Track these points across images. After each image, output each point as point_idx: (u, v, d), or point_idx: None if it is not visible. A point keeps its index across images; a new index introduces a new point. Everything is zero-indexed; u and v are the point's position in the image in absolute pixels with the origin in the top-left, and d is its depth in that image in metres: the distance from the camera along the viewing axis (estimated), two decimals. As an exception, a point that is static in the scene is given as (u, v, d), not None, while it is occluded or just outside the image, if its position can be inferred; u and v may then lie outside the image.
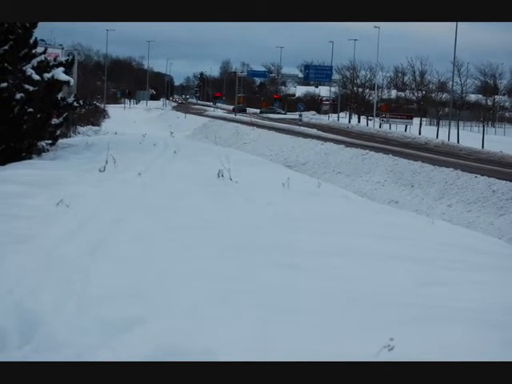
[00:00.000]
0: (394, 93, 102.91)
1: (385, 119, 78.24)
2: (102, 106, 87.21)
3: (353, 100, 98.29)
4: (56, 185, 13.29)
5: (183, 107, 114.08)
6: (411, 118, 77.16)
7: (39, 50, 23.58)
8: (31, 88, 21.43)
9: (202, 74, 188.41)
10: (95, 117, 62.11)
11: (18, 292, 6.45)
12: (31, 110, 21.36)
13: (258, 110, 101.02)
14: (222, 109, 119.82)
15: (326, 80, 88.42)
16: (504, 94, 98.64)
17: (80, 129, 46.62)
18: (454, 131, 68.72)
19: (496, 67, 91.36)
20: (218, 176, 16.30)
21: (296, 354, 4.93)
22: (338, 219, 11.75)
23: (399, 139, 55.96)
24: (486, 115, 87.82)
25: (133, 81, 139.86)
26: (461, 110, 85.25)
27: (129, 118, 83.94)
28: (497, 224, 24.91)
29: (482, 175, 30.13)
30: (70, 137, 37.07)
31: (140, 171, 16.32)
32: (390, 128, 74.00)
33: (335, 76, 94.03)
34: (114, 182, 14.72)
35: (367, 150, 39.73)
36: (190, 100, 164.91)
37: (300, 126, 63.34)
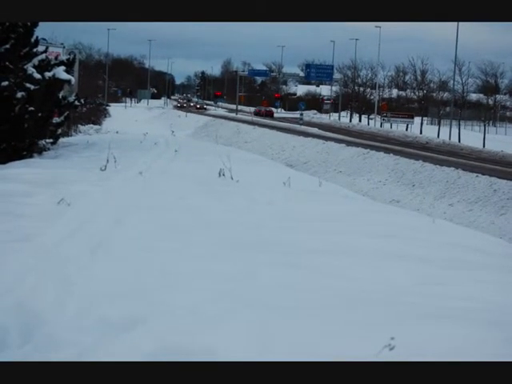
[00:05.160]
0: (395, 92, 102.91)
1: (386, 118, 78.20)
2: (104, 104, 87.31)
3: (354, 99, 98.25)
4: (57, 183, 13.29)
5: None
6: (412, 117, 77.13)
7: (40, 48, 23.61)
8: (32, 87, 21.45)
9: (203, 72, 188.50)
10: (96, 116, 62.13)
11: (19, 291, 6.45)
12: (32, 108, 21.38)
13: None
14: (224, 108, 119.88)
15: (327, 79, 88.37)
16: (505, 94, 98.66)
17: (81, 128, 46.62)
18: (455, 130, 68.68)
19: (497, 66, 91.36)
20: (219, 175, 16.29)
21: (296, 354, 4.93)
22: (339, 218, 11.75)
23: (400, 138, 55.95)
24: (487, 114, 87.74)
25: (134, 80, 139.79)
26: (462, 110, 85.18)
27: (130, 116, 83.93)
28: (498, 223, 24.90)
29: (483, 174, 30.10)
30: (71, 136, 37.10)
31: (141, 170, 16.32)
32: (391, 127, 73.98)
33: (336, 75, 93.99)
34: (115, 181, 14.73)
35: (368, 149, 39.71)
36: (192, 99, 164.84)
37: (301, 125, 63.36)
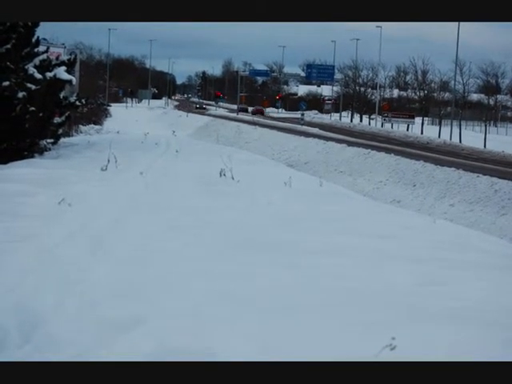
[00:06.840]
0: (396, 92, 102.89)
1: (387, 118, 78.14)
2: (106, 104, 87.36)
3: (355, 99, 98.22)
4: (58, 184, 13.30)
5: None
6: (413, 118, 77.09)
7: (41, 48, 23.61)
8: (33, 87, 21.44)
9: (204, 73, 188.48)
10: (97, 116, 62.10)
11: (19, 291, 6.45)
12: (33, 108, 21.36)
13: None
14: (225, 108, 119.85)
15: (328, 79, 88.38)
16: (506, 94, 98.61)
17: (82, 128, 46.56)
18: (456, 131, 68.65)
19: (498, 67, 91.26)
20: (220, 175, 16.29)
21: (296, 354, 4.93)
22: (340, 218, 11.75)
23: (401, 138, 55.88)
24: (488, 115, 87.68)
25: (135, 80, 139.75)
26: (463, 110, 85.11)
27: (131, 116, 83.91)
28: (498, 223, 24.87)
29: (484, 175, 30.07)
30: (71, 136, 37.06)
31: (142, 170, 16.32)
32: (392, 127, 73.93)
33: (337, 75, 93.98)
34: (116, 182, 14.73)
35: (369, 150, 39.67)
36: (193, 99, 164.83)
37: (302, 125, 63.33)
